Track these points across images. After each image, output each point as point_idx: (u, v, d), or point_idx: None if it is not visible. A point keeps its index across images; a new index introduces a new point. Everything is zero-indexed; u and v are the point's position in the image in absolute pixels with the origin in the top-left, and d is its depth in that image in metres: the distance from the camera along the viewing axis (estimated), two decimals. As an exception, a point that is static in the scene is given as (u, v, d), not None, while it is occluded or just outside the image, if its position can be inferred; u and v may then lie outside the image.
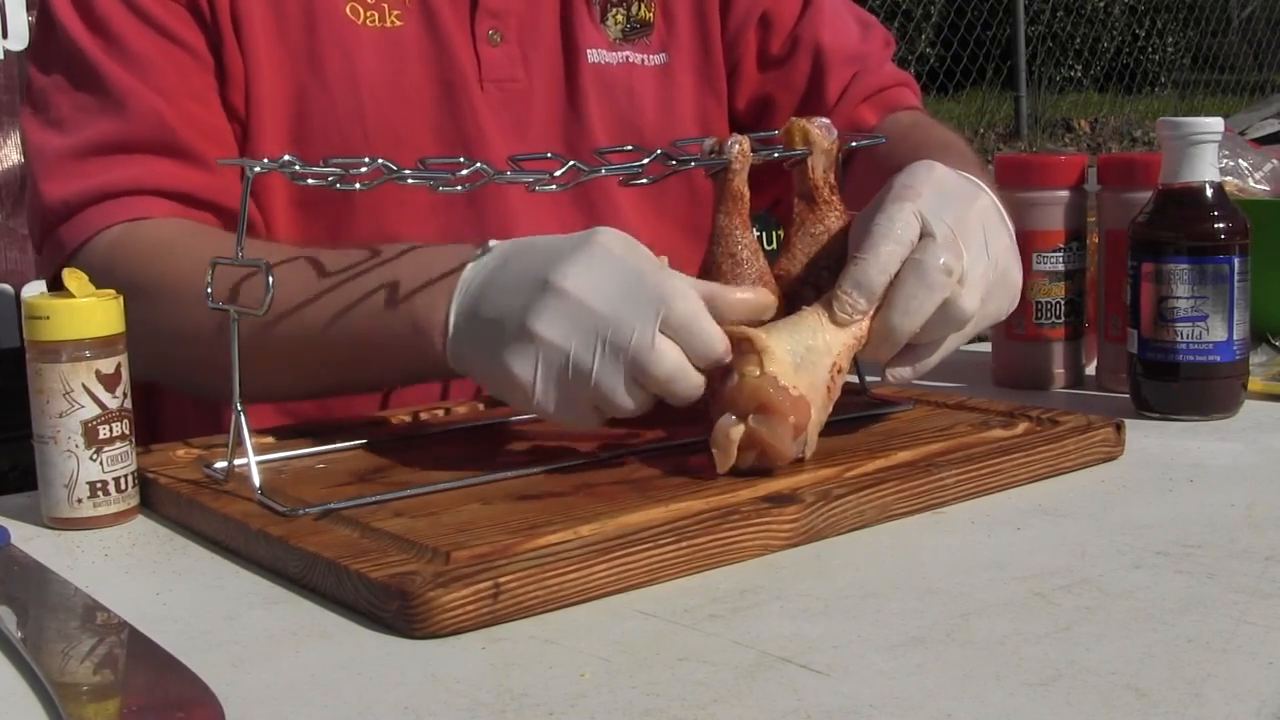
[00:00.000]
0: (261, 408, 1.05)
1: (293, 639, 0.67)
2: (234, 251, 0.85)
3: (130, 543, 0.83)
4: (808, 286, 0.92)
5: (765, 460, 0.82)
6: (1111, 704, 0.57)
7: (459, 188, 0.85)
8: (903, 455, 0.87)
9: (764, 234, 2.08)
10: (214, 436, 0.98)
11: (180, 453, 0.94)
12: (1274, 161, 1.38)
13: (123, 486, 0.86)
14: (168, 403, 1.17)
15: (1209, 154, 1.02)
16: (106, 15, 1.06)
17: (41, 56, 1.10)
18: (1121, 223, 1.08)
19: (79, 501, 0.84)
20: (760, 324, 0.85)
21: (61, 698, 0.59)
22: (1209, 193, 1.02)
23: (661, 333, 0.80)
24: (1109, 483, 0.89)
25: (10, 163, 1.56)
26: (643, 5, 1.23)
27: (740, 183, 0.90)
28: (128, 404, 0.86)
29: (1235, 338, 1.02)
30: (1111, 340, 1.14)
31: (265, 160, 0.83)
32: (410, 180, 0.83)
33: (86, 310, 0.85)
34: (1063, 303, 1.15)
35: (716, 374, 0.83)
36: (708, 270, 0.90)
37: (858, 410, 0.98)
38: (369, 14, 1.12)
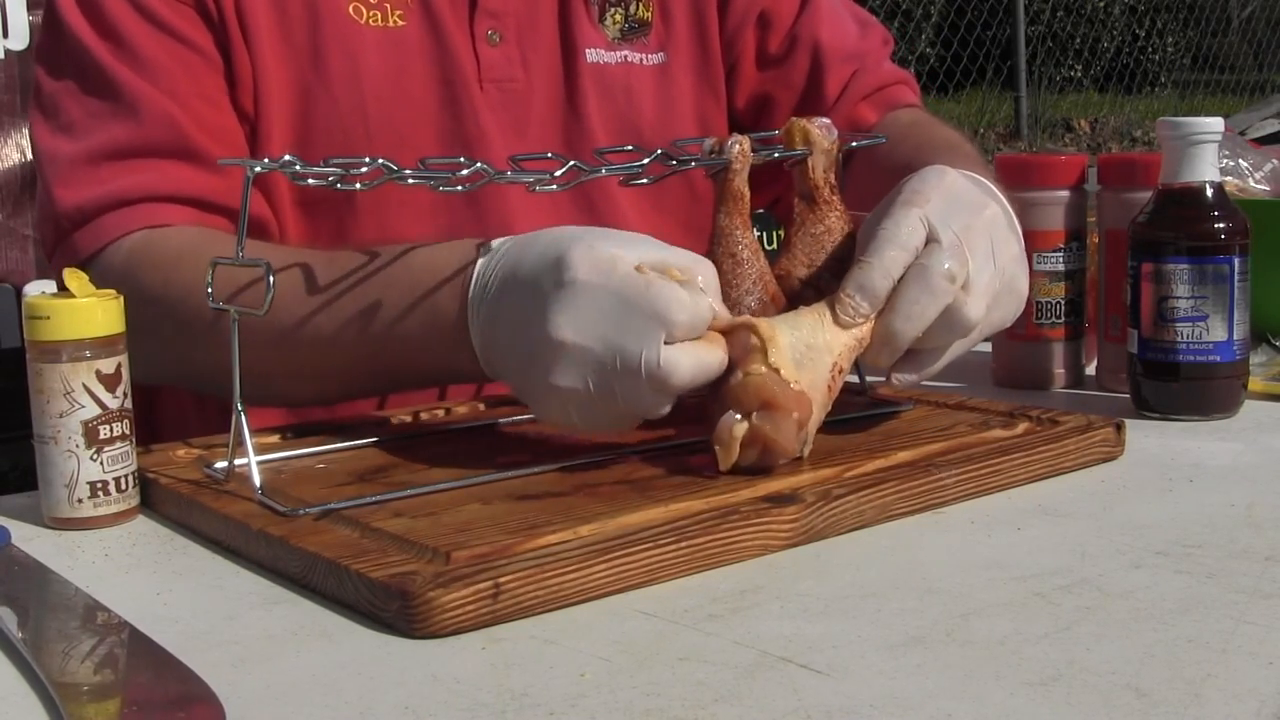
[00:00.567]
0: (263, 408, 1.05)
1: (293, 639, 0.67)
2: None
3: (130, 543, 0.83)
4: (808, 286, 0.92)
5: (768, 457, 0.82)
6: (1111, 704, 0.57)
7: (459, 188, 0.85)
8: (903, 455, 0.87)
9: (764, 234, 2.08)
10: (214, 436, 0.98)
11: (180, 453, 0.95)
12: (1274, 161, 1.38)
13: (123, 486, 0.86)
14: (168, 403, 1.17)
15: (1209, 154, 1.02)
16: (115, 18, 1.06)
17: (50, 61, 1.09)
18: (1121, 223, 1.08)
19: (79, 501, 0.84)
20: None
21: (62, 698, 0.59)
22: (1209, 193, 1.02)
23: (666, 344, 0.80)
24: (1109, 483, 0.89)
25: (10, 162, 1.56)
26: (640, 5, 1.24)
27: (740, 183, 0.90)
28: (128, 404, 0.86)
29: (1235, 338, 1.02)
30: (1111, 340, 1.14)
31: (266, 160, 0.83)
32: (410, 180, 0.83)
33: (87, 310, 0.85)
34: (1063, 303, 1.15)
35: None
36: (708, 270, 0.90)
37: (858, 410, 0.98)
38: (371, 14, 1.12)
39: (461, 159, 0.85)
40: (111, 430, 0.85)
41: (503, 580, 0.67)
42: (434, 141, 1.13)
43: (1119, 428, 0.94)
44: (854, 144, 0.98)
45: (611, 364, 0.80)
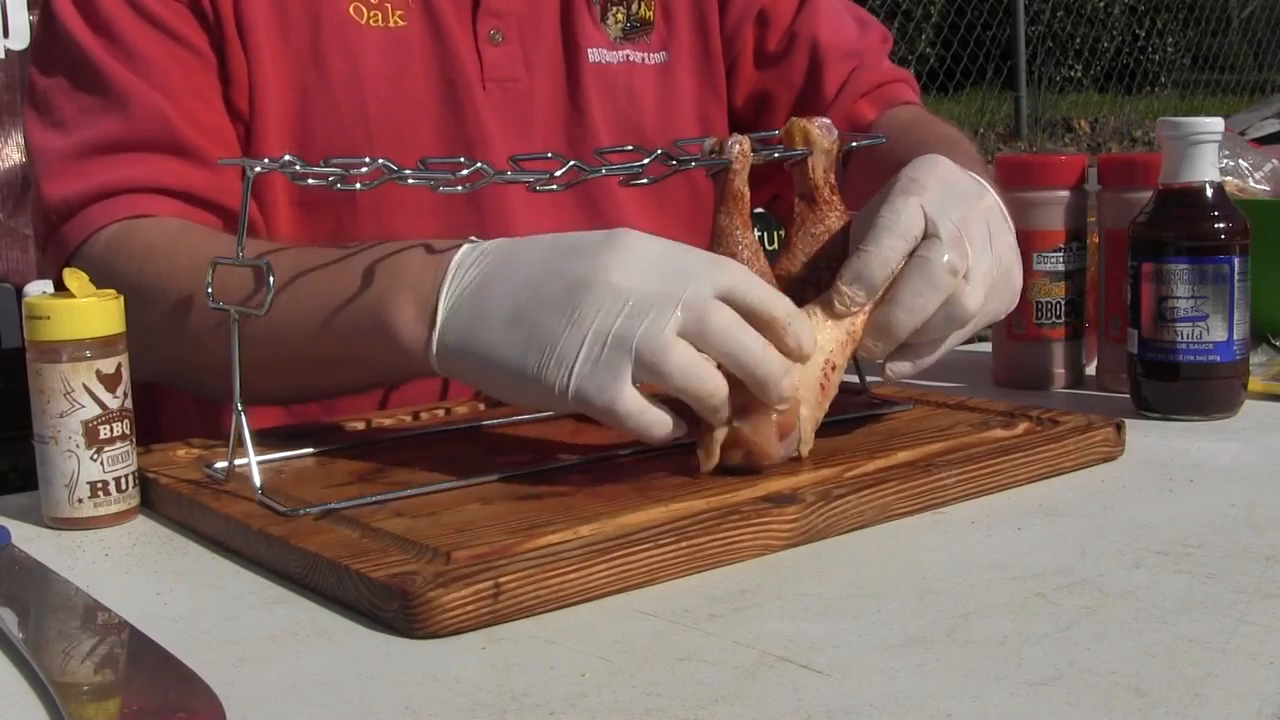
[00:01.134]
0: (266, 408, 1.05)
1: (293, 639, 0.67)
2: (231, 251, 0.85)
3: (131, 543, 0.83)
4: (808, 286, 0.92)
5: (751, 459, 0.82)
6: (1111, 704, 0.57)
7: (460, 188, 0.85)
8: (903, 455, 0.87)
9: (764, 234, 2.08)
10: (214, 436, 0.98)
11: (181, 453, 0.95)
12: (1274, 161, 1.38)
13: (123, 486, 0.86)
14: (168, 403, 1.17)
15: (1209, 154, 1.02)
16: (109, 15, 1.06)
17: (44, 57, 1.10)
18: (1121, 223, 1.09)
19: (79, 501, 0.84)
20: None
21: (62, 698, 0.59)
22: (1209, 193, 1.02)
23: (683, 321, 0.77)
24: (1109, 483, 0.89)
25: (10, 162, 1.56)
26: (642, 4, 1.24)
27: (741, 183, 0.90)
28: (128, 404, 0.86)
29: (1235, 338, 1.02)
30: (1111, 340, 1.14)
31: (266, 160, 0.83)
32: (411, 180, 0.83)
33: (87, 310, 0.85)
34: (1063, 303, 1.15)
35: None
36: (708, 270, 0.90)
37: (858, 410, 0.98)
38: (372, 14, 1.12)
39: (462, 159, 0.85)
40: (111, 430, 0.85)
41: (503, 580, 0.67)
42: (435, 142, 1.13)
43: (1119, 428, 0.94)
44: (854, 144, 0.98)
45: (657, 292, 0.77)
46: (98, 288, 0.87)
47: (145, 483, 0.88)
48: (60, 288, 0.88)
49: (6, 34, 1.57)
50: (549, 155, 0.98)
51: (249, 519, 0.79)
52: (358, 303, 0.87)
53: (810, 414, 0.84)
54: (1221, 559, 0.74)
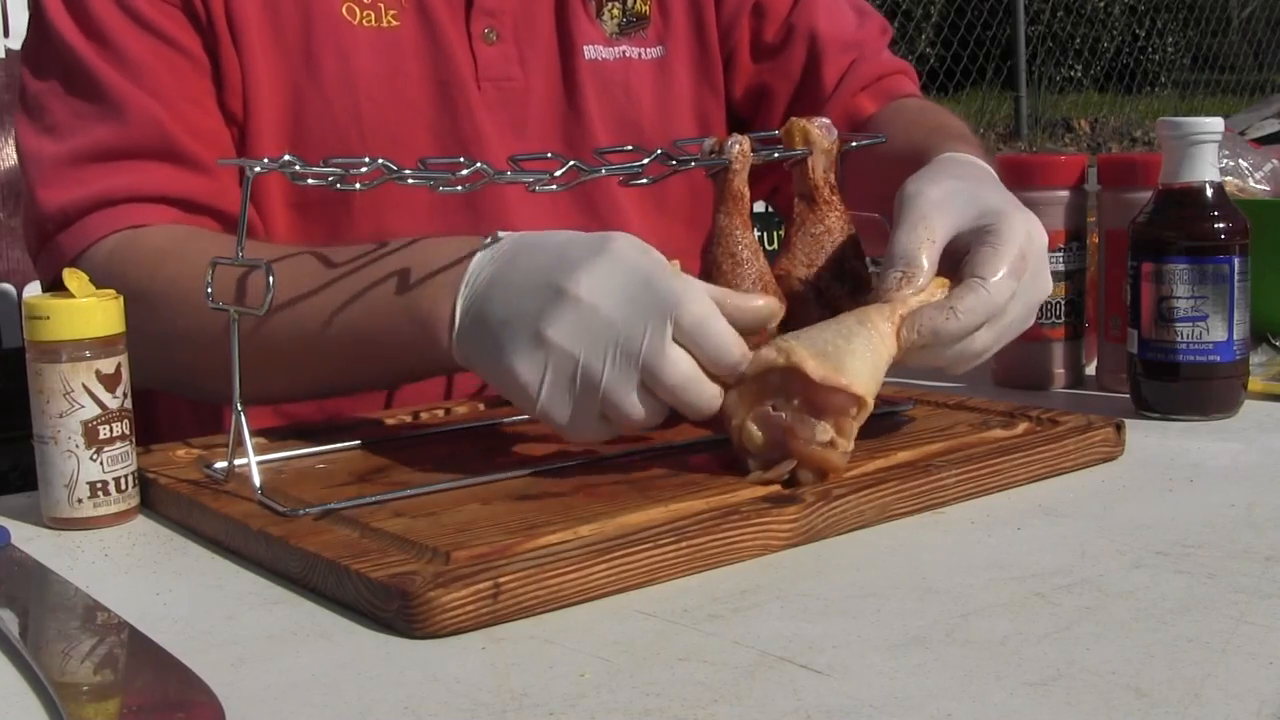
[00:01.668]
0: (261, 408, 1.05)
1: (293, 639, 0.67)
2: (234, 253, 0.85)
3: (130, 543, 0.83)
4: (808, 286, 0.92)
5: (819, 472, 0.82)
6: (1111, 704, 0.57)
7: (459, 188, 0.85)
8: (903, 455, 0.87)
9: (764, 234, 2.08)
10: (214, 436, 0.98)
11: (180, 453, 0.94)
12: (1274, 161, 1.38)
13: (123, 486, 0.86)
14: (164, 404, 1.17)
15: (1209, 154, 1.02)
16: (101, 19, 1.05)
17: (35, 62, 1.09)
18: (1121, 223, 1.08)
19: (79, 501, 0.84)
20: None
21: (62, 698, 0.59)
22: (1209, 193, 1.02)
23: (675, 340, 0.79)
24: (1109, 483, 0.89)
25: (11, 162, 1.56)
26: None
27: (740, 183, 0.90)
28: (128, 404, 0.86)
29: (1235, 338, 1.02)
30: (1111, 340, 1.14)
31: (265, 160, 0.83)
32: (410, 180, 0.83)
33: (86, 310, 0.85)
34: (1063, 303, 1.15)
35: (806, 409, 0.81)
36: (708, 270, 0.90)
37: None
38: (365, 14, 1.12)
39: (461, 159, 0.85)
40: (111, 430, 0.85)
41: (503, 580, 0.67)
42: (430, 143, 1.13)
43: (1119, 428, 0.94)
44: (854, 144, 0.98)
45: (613, 336, 0.79)
46: (120, 298, 0.87)
47: (145, 483, 0.88)
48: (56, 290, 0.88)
49: (6, 33, 1.57)
50: (548, 155, 0.98)
51: (249, 519, 0.79)
52: (391, 298, 0.88)
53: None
54: (1221, 559, 0.74)
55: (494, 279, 0.85)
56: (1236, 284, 1.02)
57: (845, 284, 0.92)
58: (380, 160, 0.83)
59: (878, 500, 0.81)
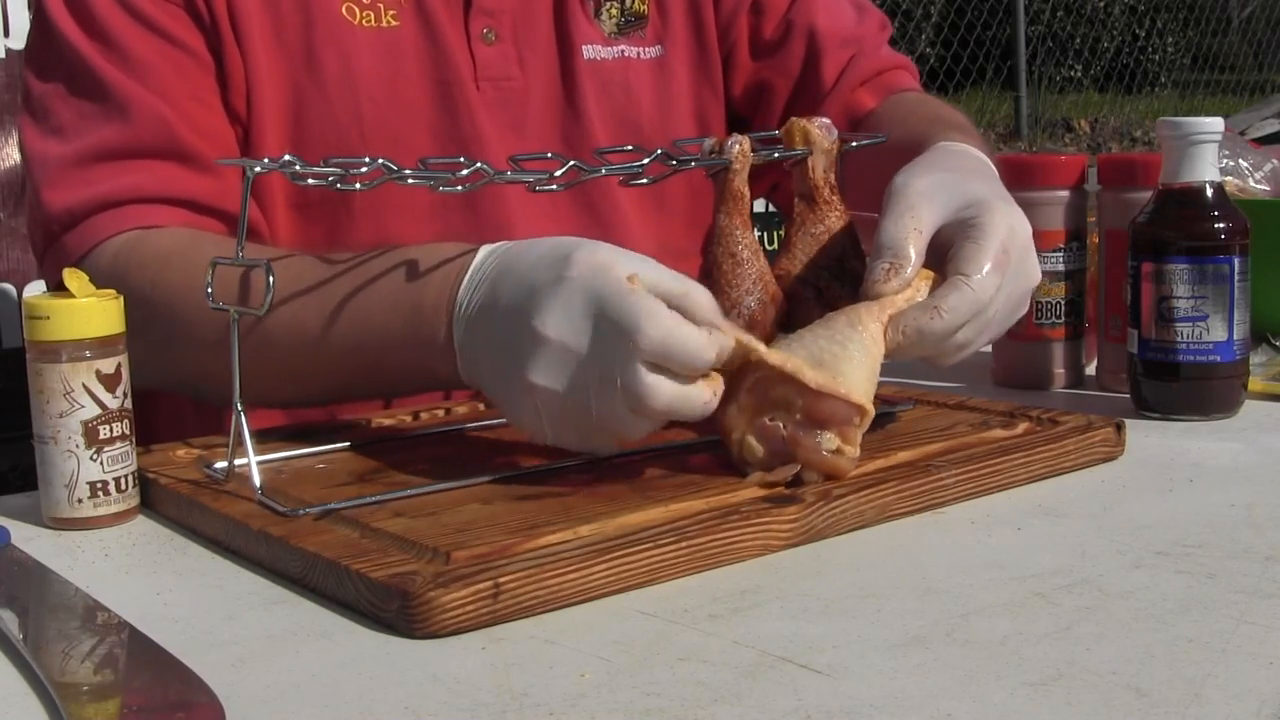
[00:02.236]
0: (257, 409, 1.05)
1: (293, 639, 0.67)
2: (248, 255, 0.85)
3: (130, 543, 0.83)
4: (808, 286, 0.92)
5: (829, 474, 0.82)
6: (1111, 704, 0.57)
7: (459, 188, 0.85)
8: (903, 455, 0.87)
9: (764, 234, 2.08)
10: (214, 436, 0.98)
11: (180, 453, 0.94)
12: (1274, 161, 1.38)
13: (123, 486, 0.86)
14: (164, 404, 1.17)
15: (1209, 154, 1.02)
16: (104, 20, 1.05)
17: (39, 63, 1.08)
18: (1121, 223, 1.08)
19: (79, 501, 0.84)
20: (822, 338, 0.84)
21: (62, 698, 0.59)
22: (1209, 193, 1.02)
23: (647, 363, 0.77)
24: (1109, 483, 0.89)
25: (12, 162, 1.56)
26: None
27: (740, 183, 0.90)
28: (128, 404, 0.86)
29: (1235, 338, 1.02)
30: (1111, 340, 1.14)
31: (266, 160, 0.83)
32: (411, 180, 0.83)
33: (86, 310, 0.85)
34: (1063, 303, 1.15)
35: (808, 420, 0.81)
36: (708, 270, 0.90)
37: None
38: (365, 14, 1.12)
39: (461, 159, 0.85)
40: (111, 430, 0.85)
41: (503, 580, 0.67)
42: (430, 142, 1.13)
43: (1119, 428, 0.94)
44: (854, 144, 0.97)
45: (589, 371, 0.78)
46: (120, 298, 0.87)
47: (145, 483, 0.88)
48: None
49: (7, 33, 1.57)
50: (548, 155, 0.98)
51: (249, 519, 0.79)
52: (399, 310, 0.88)
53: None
54: (1221, 559, 0.74)
55: (478, 319, 0.84)
56: (1236, 284, 1.02)
57: (845, 284, 0.92)
58: (380, 160, 0.83)
59: (878, 500, 0.81)
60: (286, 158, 0.82)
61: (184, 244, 1.02)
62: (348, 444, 0.94)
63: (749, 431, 0.82)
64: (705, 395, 0.80)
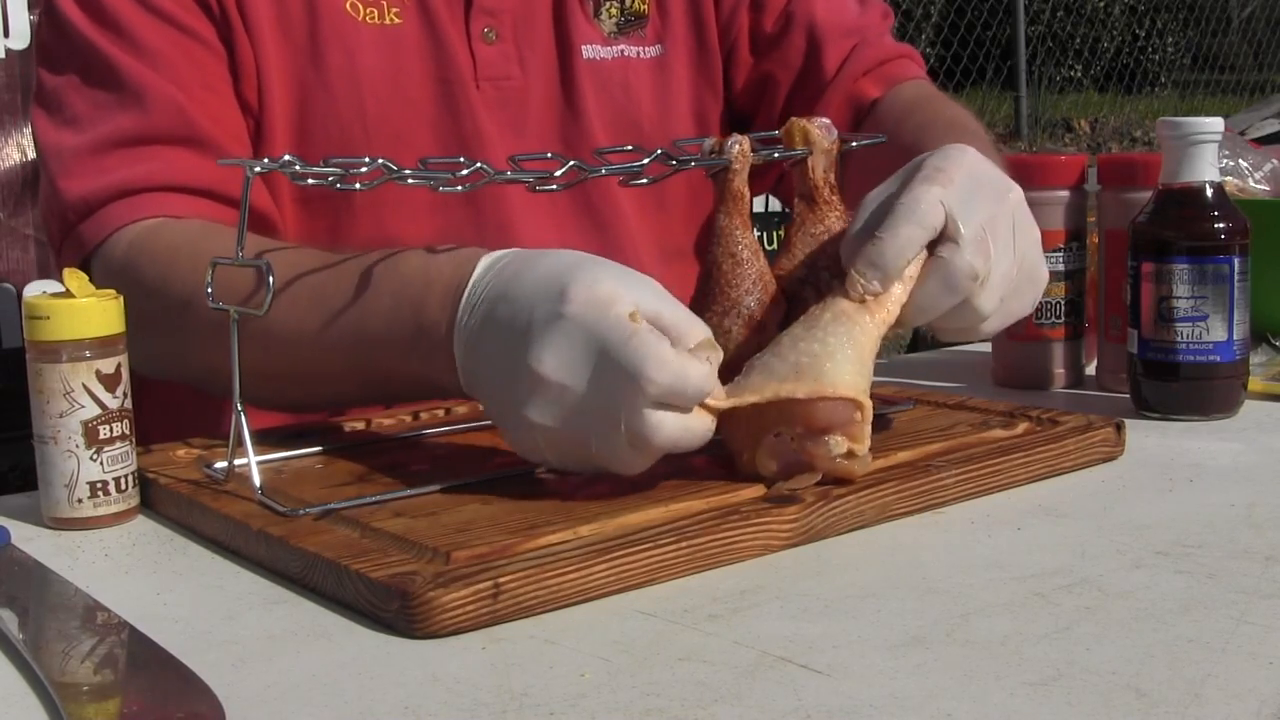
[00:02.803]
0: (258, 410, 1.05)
1: (293, 639, 0.67)
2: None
3: (130, 543, 0.83)
4: (808, 286, 0.91)
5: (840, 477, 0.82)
6: (1111, 704, 0.57)
7: (459, 188, 0.85)
8: (903, 455, 0.87)
9: (764, 234, 2.08)
10: (214, 436, 0.98)
11: (180, 453, 0.95)
12: (1274, 161, 1.38)
13: (123, 486, 0.86)
14: (164, 404, 1.17)
15: (1209, 154, 1.02)
16: (115, 11, 1.06)
17: (51, 57, 1.09)
18: (1121, 223, 1.08)
19: (79, 501, 0.84)
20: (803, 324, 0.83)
21: (62, 698, 0.59)
22: (1209, 193, 1.02)
23: (651, 406, 0.76)
24: (1109, 483, 0.89)
25: (11, 162, 1.56)
26: None
27: (740, 183, 0.90)
28: (128, 404, 0.86)
29: (1235, 338, 1.02)
30: (1111, 340, 1.14)
31: (265, 160, 0.83)
32: (410, 180, 0.83)
33: (86, 310, 0.85)
34: (1063, 303, 1.15)
35: (811, 429, 0.80)
36: (708, 270, 0.90)
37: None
38: (369, 11, 1.12)
39: (461, 159, 0.85)
40: (111, 430, 0.85)
41: (503, 580, 0.67)
42: (431, 140, 1.13)
43: (1119, 428, 0.94)
44: (854, 144, 0.97)
45: (589, 412, 0.77)
46: (119, 289, 0.87)
47: (145, 483, 0.88)
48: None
49: (7, 34, 1.57)
50: (549, 155, 0.98)
51: (249, 519, 0.79)
52: (400, 322, 0.87)
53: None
54: (1221, 559, 0.74)
55: (476, 341, 0.82)
56: (1236, 284, 1.02)
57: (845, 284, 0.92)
58: (380, 160, 0.83)
59: (878, 500, 0.81)
60: (286, 157, 0.82)
61: (194, 237, 1.01)
62: (348, 444, 0.94)
63: (758, 450, 0.82)
64: (706, 424, 0.79)
